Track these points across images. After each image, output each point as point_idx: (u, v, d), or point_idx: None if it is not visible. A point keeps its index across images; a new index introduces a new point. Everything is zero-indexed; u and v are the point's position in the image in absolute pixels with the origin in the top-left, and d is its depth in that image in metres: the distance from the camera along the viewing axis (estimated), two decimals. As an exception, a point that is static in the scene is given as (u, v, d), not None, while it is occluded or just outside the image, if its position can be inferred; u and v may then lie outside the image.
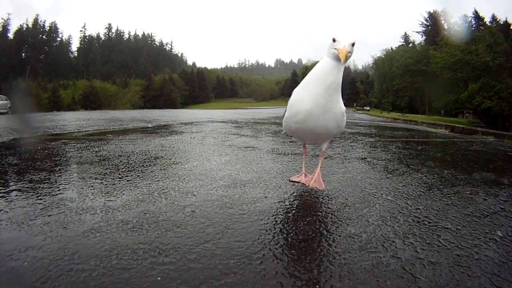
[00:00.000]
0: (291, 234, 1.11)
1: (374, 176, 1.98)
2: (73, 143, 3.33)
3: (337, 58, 1.30)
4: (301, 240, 1.07)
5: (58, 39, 78.87)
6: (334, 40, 1.31)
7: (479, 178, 2.00)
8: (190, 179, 1.81)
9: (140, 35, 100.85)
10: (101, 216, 1.23)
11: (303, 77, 1.46)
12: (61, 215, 1.25)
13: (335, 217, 1.28)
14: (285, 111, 1.55)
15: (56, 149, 2.86)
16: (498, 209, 1.42)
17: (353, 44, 1.29)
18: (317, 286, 0.81)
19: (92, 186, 1.65)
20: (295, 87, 1.52)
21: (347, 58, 1.26)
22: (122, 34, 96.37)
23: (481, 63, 18.15)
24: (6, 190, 1.58)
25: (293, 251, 1.00)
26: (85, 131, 4.79)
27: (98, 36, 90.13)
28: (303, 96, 1.41)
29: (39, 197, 1.46)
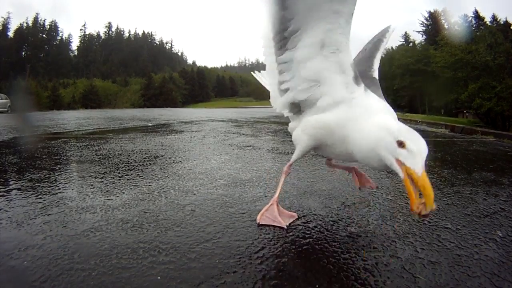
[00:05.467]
0: (291, 234, 1.11)
1: (374, 175, 1.98)
2: (73, 142, 3.32)
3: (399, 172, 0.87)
4: (301, 239, 1.07)
5: (58, 38, 78.67)
6: (401, 144, 0.85)
7: (479, 178, 1.99)
8: (190, 178, 1.81)
9: (140, 34, 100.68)
10: (101, 215, 1.23)
11: None
12: (61, 214, 1.25)
13: (335, 217, 1.27)
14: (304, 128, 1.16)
15: (56, 148, 2.86)
16: (498, 209, 1.42)
17: None
18: (316, 286, 0.81)
19: (92, 185, 1.65)
20: None
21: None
22: (122, 33, 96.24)
23: (481, 62, 18.08)
24: (6, 189, 1.59)
25: (293, 250, 1.00)
26: (85, 130, 4.79)
27: (98, 35, 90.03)
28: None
29: (39, 196, 1.46)
